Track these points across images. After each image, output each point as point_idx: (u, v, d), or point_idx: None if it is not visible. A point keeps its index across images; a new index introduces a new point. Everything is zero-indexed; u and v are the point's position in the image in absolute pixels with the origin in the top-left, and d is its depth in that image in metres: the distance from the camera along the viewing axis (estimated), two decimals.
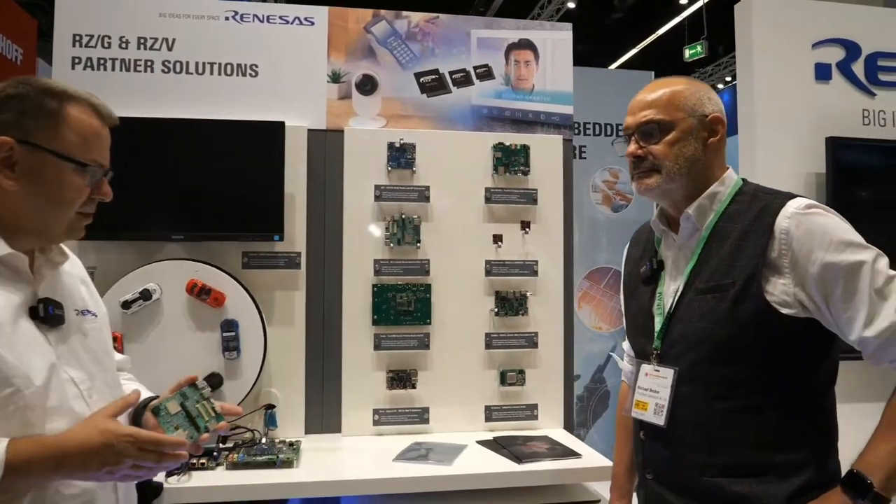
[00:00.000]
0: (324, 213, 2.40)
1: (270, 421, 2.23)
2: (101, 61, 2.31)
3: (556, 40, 2.61)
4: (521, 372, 2.44)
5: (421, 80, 2.51)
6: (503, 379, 2.43)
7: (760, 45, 2.60)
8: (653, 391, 1.36)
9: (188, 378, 1.26)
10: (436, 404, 2.40)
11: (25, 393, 1.04)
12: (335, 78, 2.45)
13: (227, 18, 2.38)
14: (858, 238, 1.23)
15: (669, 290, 1.40)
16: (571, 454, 2.10)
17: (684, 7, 9.68)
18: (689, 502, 1.32)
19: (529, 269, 2.47)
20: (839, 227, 1.24)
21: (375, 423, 2.35)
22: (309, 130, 2.38)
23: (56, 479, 1.06)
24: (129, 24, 2.33)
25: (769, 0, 2.62)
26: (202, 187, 2.26)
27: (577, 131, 4.00)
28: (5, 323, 1.05)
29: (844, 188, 2.49)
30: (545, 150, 2.52)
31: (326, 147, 2.41)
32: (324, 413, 2.36)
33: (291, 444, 2.12)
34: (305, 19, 2.43)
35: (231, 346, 2.19)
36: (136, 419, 1.25)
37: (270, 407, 2.25)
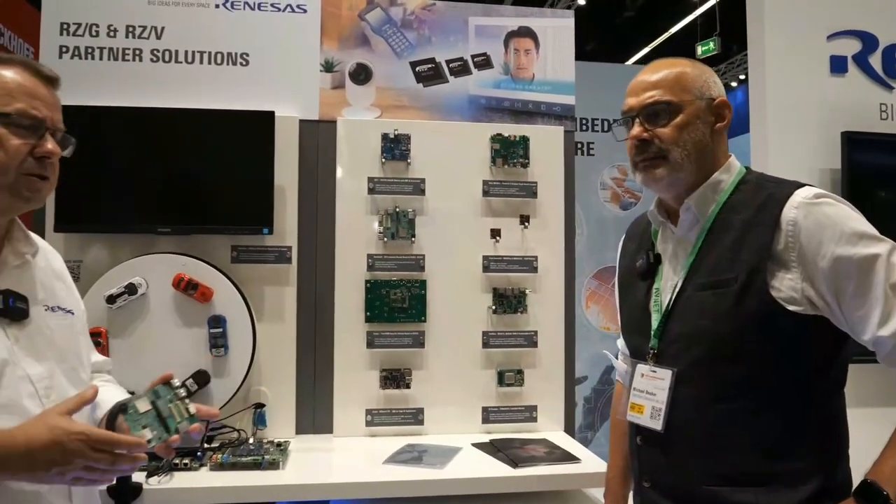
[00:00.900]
0: (315, 207, 2.34)
1: (259, 420, 2.19)
2: (89, 50, 2.27)
3: (557, 28, 2.52)
4: (520, 372, 2.37)
5: (417, 69, 2.44)
6: (501, 379, 2.35)
7: (773, 36, 2.52)
8: (649, 393, 1.28)
9: (163, 376, 1.21)
10: (431, 405, 2.33)
11: None
12: (328, 67, 2.39)
13: (217, 6, 2.33)
14: (872, 229, 1.14)
15: (667, 285, 1.32)
16: (570, 459, 2.02)
17: (696, 5, 9.58)
18: None
19: (529, 265, 2.39)
20: (851, 217, 1.15)
21: (368, 423, 2.29)
22: (301, 121, 2.32)
23: None
24: (117, 13, 2.29)
25: None
26: (190, 179, 2.21)
27: (585, 127, 3.95)
28: None
29: (860, 185, 2.41)
30: (546, 141, 2.44)
31: (318, 138, 2.35)
32: (315, 413, 2.30)
33: (279, 444, 2.06)
34: (298, 7, 2.37)
35: (219, 342, 2.13)
36: (110, 423, 1.18)
37: (260, 406, 2.20)
